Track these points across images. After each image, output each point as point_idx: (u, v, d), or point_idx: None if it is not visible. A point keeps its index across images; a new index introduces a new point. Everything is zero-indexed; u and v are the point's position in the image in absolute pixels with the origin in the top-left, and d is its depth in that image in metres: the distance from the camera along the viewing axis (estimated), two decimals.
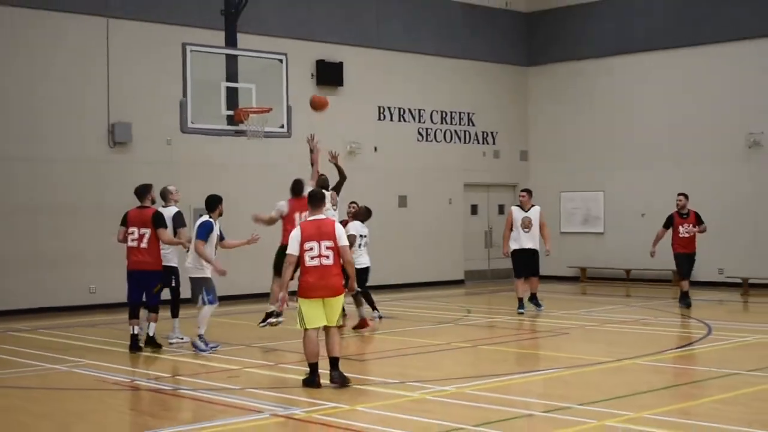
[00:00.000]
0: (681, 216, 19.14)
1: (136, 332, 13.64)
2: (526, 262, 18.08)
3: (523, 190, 18.48)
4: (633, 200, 25.29)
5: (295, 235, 10.76)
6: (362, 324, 15.82)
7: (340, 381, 10.62)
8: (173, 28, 20.47)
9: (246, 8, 16.91)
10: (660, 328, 15.87)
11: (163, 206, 14.41)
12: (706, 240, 23.66)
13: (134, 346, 13.59)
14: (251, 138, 15.87)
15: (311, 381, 10.67)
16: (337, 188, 15.88)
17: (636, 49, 25.35)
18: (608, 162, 25.86)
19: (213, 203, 13.72)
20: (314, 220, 10.88)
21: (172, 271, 14.29)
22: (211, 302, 13.43)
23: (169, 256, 14.23)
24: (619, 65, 25.73)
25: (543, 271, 26.06)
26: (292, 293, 16.95)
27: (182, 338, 14.30)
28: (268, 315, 14.81)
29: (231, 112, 15.46)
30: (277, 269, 16.74)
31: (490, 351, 13.89)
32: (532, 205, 18.11)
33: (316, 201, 10.99)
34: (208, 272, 13.43)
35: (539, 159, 27.44)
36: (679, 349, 13.30)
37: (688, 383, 10.73)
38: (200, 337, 13.33)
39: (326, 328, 10.80)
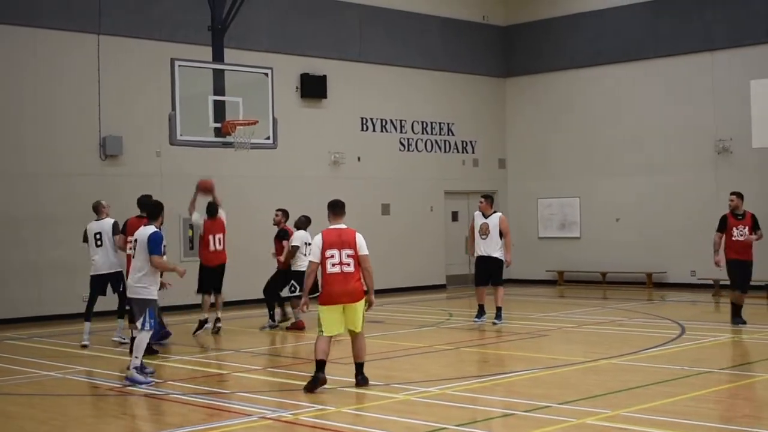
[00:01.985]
0: (735, 217, 16.10)
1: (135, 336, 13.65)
2: (485, 269, 16.73)
3: (482, 196, 17.11)
4: (608, 206, 25.36)
5: (318, 243, 10.79)
6: (298, 325, 16.49)
7: (363, 383, 10.73)
8: (162, 44, 20.42)
9: (232, 24, 16.92)
10: (635, 329, 15.89)
11: (97, 219, 14.95)
12: (679, 244, 23.80)
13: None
14: (238, 149, 15.88)
15: (315, 378, 10.57)
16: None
17: (610, 60, 25.42)
18: (584, 169, 25.93)
19: (156, 210, 12.14)
20: (335, 228, 10.89)
21: (121, 276, 14.72)
22: (152, 327, 11.67)
23: (119, 261, 14.74)
24: (594, 76, 25.81)
25: (522, 275, 26.44)
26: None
27: (124, 339, 14.76)
28: (202, 323, 16.07)
29: (218, 125, 15.46)
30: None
31: (472, 353, 13.90)
32: (494, 212, 16.84)
33: (337, 210, 11.01)
34: (155, 293, 11.69)
35: (517, 167, 27.49)
36: (654, 349, 13.33)
37: (663, 382, 10.75)
38: (138, 369, 11.49)
39: (352, 334, 10.82)
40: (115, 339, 15.04)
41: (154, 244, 11.54)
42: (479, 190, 27.14)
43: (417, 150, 25.68)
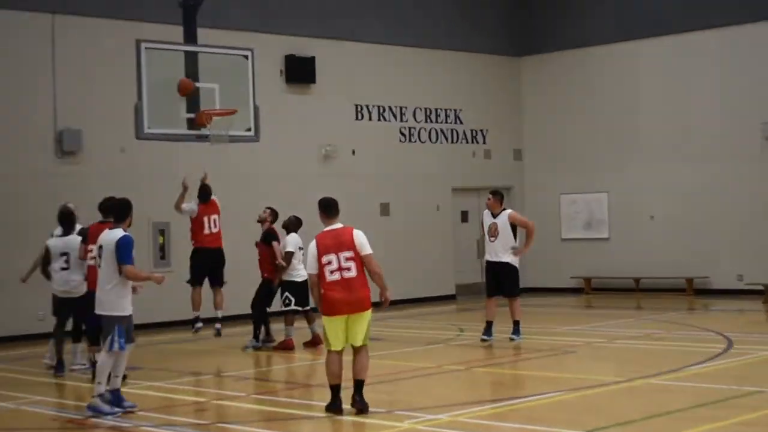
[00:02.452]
0: None
1: (96, 360, 13.61)
2: (494, 277, 16.50)
3: (490, 192, 16.87)
4: (641, 201, 25.34)
5: (311, 251, 10.77)
6: (315, 341, 16.36)
7: (360, 406, 10.65)
8: (126, 23, 20.38)
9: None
10: (675, 344, 15.88)
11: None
12: (723, 245, 23.79)
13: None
14: (215, 143, 15.88)
15: (332, 406, 10.68)
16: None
17: (640, 34, 25.40)
18: (612, 160, 25.92)
19: (123, 209, 11.72)
20: (330, 230, 10.88)
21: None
22: (121, 347, 11.23)
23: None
24: (623, 52, 25.79)
25: (542, 282, 26.44)
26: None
27: (85, 364, 14.79)
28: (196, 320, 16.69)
29: (192, 115, 15.46)
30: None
31: (486, 374, 13.90)
32: (503, 209, 16.57)
33: (330, 209, 10.99)
34: (127, 308, 11.38)
35: (535, 158, 27.48)
36: (697, 366, 13.31)
37: (708, 404, 10.73)
38: (102, 396, 11.21)
39: (354, 348, 10.80)
40: (74, 367, 14.96)
41: (124, 250, 11.19)
42: (492, 186, 27.14)
43: (420, 141, 25.67)
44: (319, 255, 10.67)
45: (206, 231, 16.73)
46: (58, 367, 14.56)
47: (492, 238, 16.40)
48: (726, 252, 23.82)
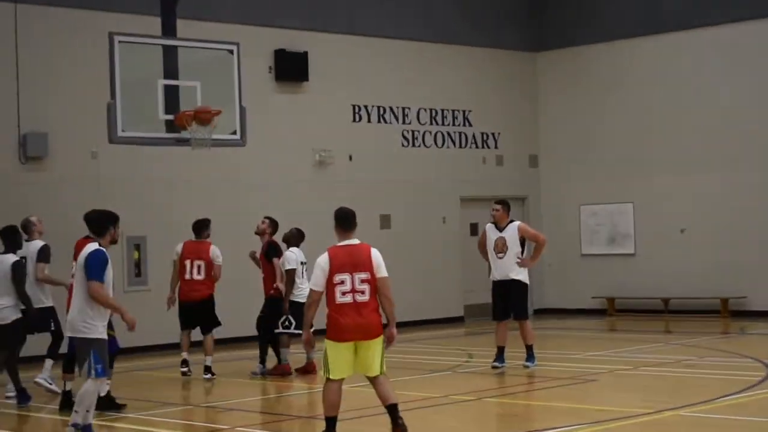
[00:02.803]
0: None
1: (68, 389, 13.68)
2: (502, 298, 16.47)
3: (496, 202, 16.74)
4: (670, 213, 25.33)
5: (322, 265, 10.59)
6: (308, 368, 16.50)
7: (404, 429, 10.56)
8: (98, 14, 20.41)
9: None
10: (708, 372, 15.87)
11: (27, 240, 15.20)
12: (763, 261, 23.75)
13: (66, 404, 13.49)
14: (196, 147, 15.84)
15: None
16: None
17: (671, 26, 25.44)
18: (638, 167, 25.93)
19: (101, 222, 11.84)
20: (346, 245, 10.78)
21: (49, 312, 15.05)
22: (99, 374, 11.21)
23: (42, 295, 14.97)
24: (649, 48, 25.83)
25: (560, 303, 26.43)
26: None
27: (50, 383, 15.01)
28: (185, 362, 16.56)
29: (171, 117, 15.42)
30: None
31: (498, 404, 13.89)
32: (510, 221, 16.54)
33: (348, 222, 10.89)
34: (101, 331, 11.31)
35: (552, 165, 27.50)
36: (733, 396, 13.30)
37: None
38: (78, 426, 11.21)
39: (370, 378, 10.71)
40: (38, 380, 15.07)
41: (93, 264, 11.18)
42: (504, 196, 27.15)
43: (424, 145, 25.69)
44: (332, 273, 10.56)
45: (186, 276, 16.70)
46: (21, 398, 14.46)
47: (500, 255, 16.37)
48: (765, 270, 23.80)
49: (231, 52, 16.23)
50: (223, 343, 19.01)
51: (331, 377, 10.61)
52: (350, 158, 24.34)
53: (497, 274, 16.49)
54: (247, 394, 15.58)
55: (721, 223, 24.55)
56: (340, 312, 10.54)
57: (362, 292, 10.57)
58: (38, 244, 15.11)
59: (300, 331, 16.25)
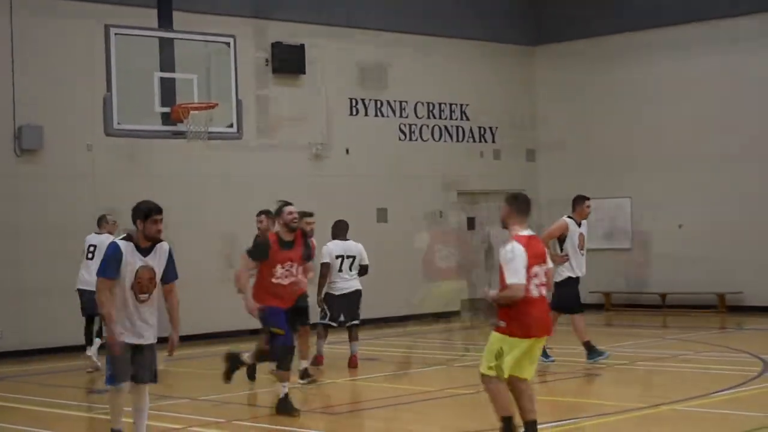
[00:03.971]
0: None
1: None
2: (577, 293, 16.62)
3: (583, 197, 16.91)
4: (668, 208, 25.34)
5: (522, 256, 9.74)
6: (316, 360, 16.14)
7: None
8: (94, 6, 20.38)
9: None
10: (705, 366, 15.92)
11: (97, 233, 16.40)
12: (760, 257, 23.79)
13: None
14: (192, 140, 15.88)
15: None
16: None
17: (671, 20, 25.42)
18: (636, 161, 25.93)
19: (133, 214, 10.95)
20: (529, 235, 10.03)
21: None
22: (109, 381, 10.22)
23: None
24: (650, 42, 25.80)
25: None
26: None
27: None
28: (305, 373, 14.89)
29: (167, 109, 15.47)
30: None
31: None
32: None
33: (526, 207, 10.23)
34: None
35: (550, 160, 27.52)
36: (729, 391, 13.33)
37: None
38: None
39: (520, 381, 10.01)
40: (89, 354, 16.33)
41: (103, 259, 10.32)
42: (502, 190, 27.18)
43: (422, 139, 25.69)
44: (529, 265, 9.82)
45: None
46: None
47: (582, 251, 16.38)
48: (763, 265, 23.82)
49: (227, 44, 16.28)
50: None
51: (504, 375, 9.84)
52: (347, 151, 24.36)
53: (579, 271, 16.44)
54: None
55: (719, 219, 24.56)
56: (533, 305, 9.79)
57: (545, 285, 9.99)
58: (108, 237, 15.30)
59: (332, 323, 16.24)
